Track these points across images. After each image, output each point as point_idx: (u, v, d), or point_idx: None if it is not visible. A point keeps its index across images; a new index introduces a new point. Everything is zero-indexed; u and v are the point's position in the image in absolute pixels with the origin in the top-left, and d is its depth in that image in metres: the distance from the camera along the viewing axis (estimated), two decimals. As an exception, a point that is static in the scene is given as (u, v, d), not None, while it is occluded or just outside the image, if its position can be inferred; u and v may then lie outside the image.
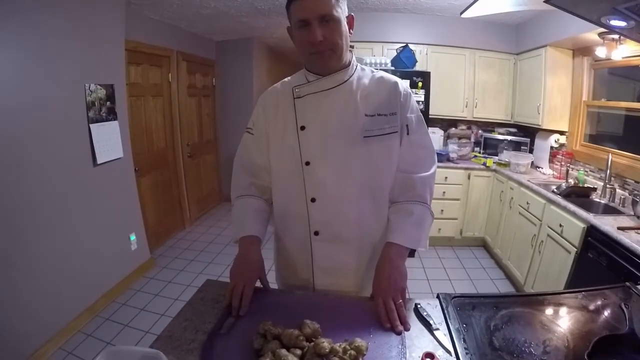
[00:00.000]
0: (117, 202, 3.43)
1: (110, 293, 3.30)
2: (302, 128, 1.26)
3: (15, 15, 2.38)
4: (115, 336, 2.83)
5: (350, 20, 1.23)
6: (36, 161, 2.57)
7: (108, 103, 3.23)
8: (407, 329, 1.04)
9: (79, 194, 2.97)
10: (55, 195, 2.74)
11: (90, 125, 3.04)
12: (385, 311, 1.07)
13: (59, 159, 2.76)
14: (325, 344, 0.91)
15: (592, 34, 3.06)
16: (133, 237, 3.67)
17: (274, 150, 1.33)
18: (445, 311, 1.10)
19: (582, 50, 3.64)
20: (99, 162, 3.13)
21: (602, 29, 2.41)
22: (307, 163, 1.26)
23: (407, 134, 1.29)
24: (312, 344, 0.93)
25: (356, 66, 1.31)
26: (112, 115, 3.29)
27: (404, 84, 1.33)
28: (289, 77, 1.39)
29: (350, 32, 1.23)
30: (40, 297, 2.60)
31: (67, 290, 2.83)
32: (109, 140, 3.27)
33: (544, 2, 1.41)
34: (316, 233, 1.30)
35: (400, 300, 1.11)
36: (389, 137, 1.27)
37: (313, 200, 1.27)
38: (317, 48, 1.15)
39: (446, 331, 1.03)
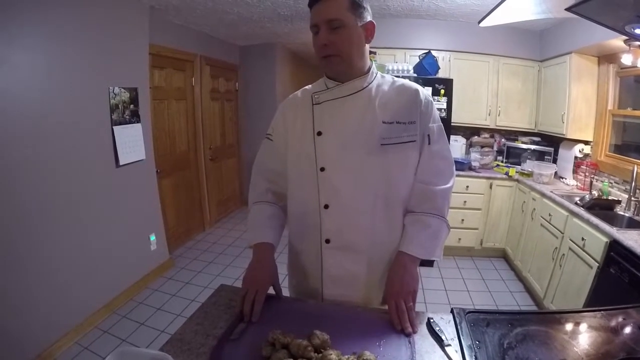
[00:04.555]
0: (138, 202, 3.50)
1: (128, 291, 3.36)
2: (319, 134, 1.26)
3: (42, 21, 2.48)
4: (131, 334, 2.88)
5: (369, 26, 1.21)
6: (60, 162, 2.65)
7: (132, 106, 3.31)
8: (415, 331, 1.06)
9: (101, 194, 3.04)
10: (78, 195, 2.81)
11: (114, 128, 3.11)
12: (397, 313, 1.08)
13: (83, 160, 2.84)
14: (333, 355, 0.90)
15: (617, 40, 2.99)
16: (153, 238, 3.74)
17: (291, 155, 1.33)
18: (459, 327, 1.08)
19: (607, 58, 3.55)
20: (121, 163, 3.20)
21: (627, 36, 2.34)
22: (322, 169, 1.25)
23: (429, 144, 1.27)
24: (320, 355, 0.92)
25: (376, 74, 1.31)
26: (135, 117, 3.36)
27: (425, 92, 1.31)
28: (310, 85, 1.39)
29: (368, 41, 1.22)
30: (58, 293, 2.67)
31: (85, 287, 2.90)
32: (132, 143, 3.34)
33: (565, 10, 1.38)
34: (327, 241, 1.28)
35: (411, 303, 1.12)
36: (407, 146, 1.24)
37: (326, 206, 1.26)
38: (322, 52, 1.17)
39: (458, 347, 1.01)
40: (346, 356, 0.92)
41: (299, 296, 1.44)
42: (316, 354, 0.93)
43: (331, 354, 0.90)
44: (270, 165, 1.41)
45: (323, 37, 1.14)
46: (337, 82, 1.27)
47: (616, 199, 3.12)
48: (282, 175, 1.38)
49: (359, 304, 1.31)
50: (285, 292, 1.34)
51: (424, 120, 1.27)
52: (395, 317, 1.08)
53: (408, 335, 1.04)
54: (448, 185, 1.30)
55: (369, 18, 1.20)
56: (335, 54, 1.17)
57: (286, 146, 1.35)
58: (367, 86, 1.26)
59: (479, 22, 2.10)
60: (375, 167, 1.23)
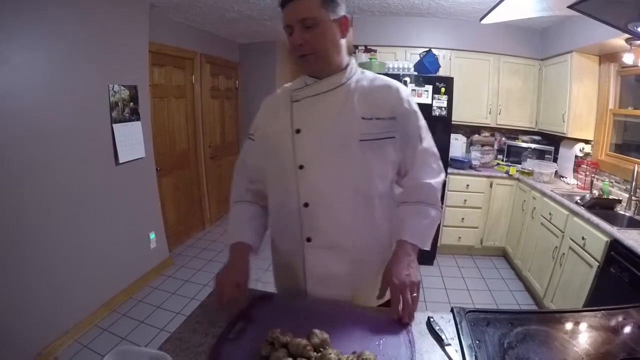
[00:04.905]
0: (137, 200, 3.50)
1: (128, 289, 3.36)
2: (298, 131, 1.24)
3: (42, 20, 2.47)
4: (130, 332, 2.88)
5: (344, 21, 1.19)
6: (60, 160, 2.65)
7: (131, 104, 3.30)
8: (411, 320, 1.10)
9: (101, 193, 3.04)
10: (78, 193, 2.81)
11: (113, 125, 3.10)
12: (402, 304, 1.08)
13: (82, 158, 2.83)
14: (333, 355, 0.90)
15: (619, 39, 2.98)
16: (153, 236, 3.73)
17: (269, 153, 1.32)
18: (459, 326, 1.08)
19: (608, 57, 3.55)
20: (121, 161, 3.19)
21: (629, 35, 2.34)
22: (301, 167, 1.23)
23: (421, 142, 1.29)
24: (320, 354, 0.92)
25: (355, 69, 1.29)
26: (135, 115, 3.35)
27: (407, 90, 1.31)
28: (291, 82, 1.38)
29: (343, 35, 1.21)
30: (57, 291, 2.67)
31: (85, 285, 2.90)
32: (132, 140, 3.33)
33: (568, 7, 1.37)
34: (308, 239, 1.27)
35: (416, 294, 1.11)
36: (386, 142, 1.24)
37: (306, 205, 1.24)
38: (298, 52, 1.16)
39: (458, 347, 1.00)
40: (346, 355, 0.92)
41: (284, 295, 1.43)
42: (315, 353, 0.93)
43: (330, 353, 0.90)
44: (252, 165, 1.40)
45: (297, 37, 1.13)
46: (315, 78, 1.26)
47: (617, 198, 3.12)
48: (264, 175, 1.37)
49: (345, 302, 1.31)
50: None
51: (409, 118, 1.27)
52: (398, 308, 1.08)
53: (405, 325, 1.07)
54: (440, 178, 1.33)
55: (342, 13, 1.18)
56: (311, 52, 1.16)
57: (266, 146, 1.34)
58: (345, 82, 1.25)
59: (481, 19, 2.10)
60: (354, 163, 1.22)
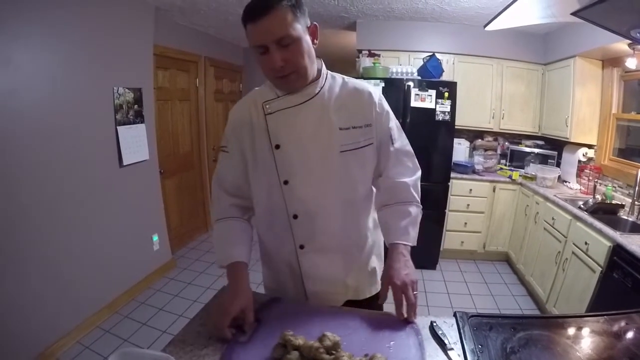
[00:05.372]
0: (141, 202, 3.51)
1: (130, 291, 3.37)
2: (277, 147, 1.22)
3: (47, 21, 2.49)
4: (133, 334, 2.88)
5: (314, 30, 1.16)
6: (64, 161, 2.67)
7: (135, 106, 3.32)
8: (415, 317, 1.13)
9: (105, 194, 3.05)
10: (81, 194, 2.83)
11: (118, 128, 3.12)
12: (406, 303, 1.10)
13: (86, 160, 2.85)
14: (346, 357, 0.91)
15: (622, 44, 2.98)
16: (156, 238, 3.74)
17: (251, 169, 1.30)
18: (461, 331, 1.08)
19: (611, 61, 3.55)
20: (124, 163, 3.21)
21: (633, 40, 2.34)
22: (286, 182, 1.23)
23: (392, 144, 1.31)
24: (332, 357, 0.92)
25: (326, 75, 1.27)
26: (139, 118, 3.37)
27: (377, 92, 1.31)
28: (256, 89, 1.34)
29: (314, 43, 1.16)
30: (60, 292, 2.68)
31: (87, 287, 2.91)
32: (135, 143, 3.35)
33: (571, 14, 1.38)
34: (301, 247, 1.30)
35: (416, 292, 1.13)
36: (364, 149, 1.26)
37: (295, 216, 1.26)
38: (279, 73, 1.11)
39: (461, 351, 1.01)
40: (358, 357, 0.93)
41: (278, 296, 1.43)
42: (328, 356, 0.93)
43: (343, 356, 0.91)
44: (230, 178, 1.35)
45: (277, 59, 1.06)
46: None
47: (620, 203, 3.11)
48: (242, 187, 1.35)
49: (341, 299, 1.38)
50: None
51: (382, 121, 1.29)
52: (402, 308, 1.11)
53: (411, 323, 1.10)
54: (416, 176, 1.36)
55: (308, 20, 1.14)
56: (293, 71, 1.11)
57: (242, 158, 1.31)
58: (319, 91, 1.22)
59: (485, 26, 2.10)
60: (336, 173, 1.24)
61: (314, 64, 1.18)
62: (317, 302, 1.33)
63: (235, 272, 1.21)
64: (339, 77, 1.31)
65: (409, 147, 1.37)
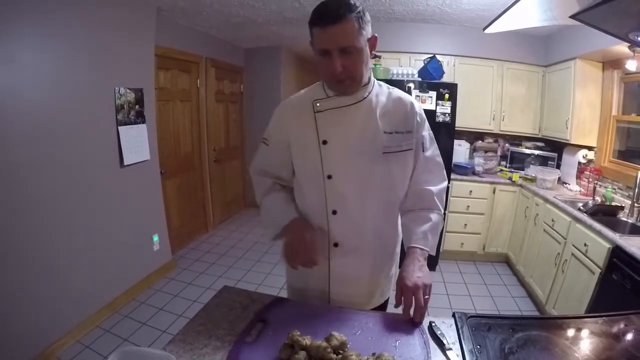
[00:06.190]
0: (141, 203, 3.52)
1: (130, 291, 3.37)
2: (324, 142, 1.28)
3: (49, 19, 2.49)
4: (132, 334, 2.89)
5: (374, 42, 1.22)
6: (65, 161, 2.67)
7: (137, 106, 3.32)
8: (422, 320, 1.14)
9: (105, 194, 3.05)
10: (82, 194, 2.83)
11: (119, 128, 3.13)
12: (415, 304, 1.12)
13: (87, 160, 2.85)
14: (354, 357, 0.92)
15: (622, 46, 2.98)
16: (156, 238, 3.75)
17: (296, 163, 1.36)
18: (460, 331, 1.09)
19: (612, 63, 3.55)
20: (125, 163, 3.21)
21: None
22: (329, 177, 1.29)
23: (423, 151, 1.36)
24: (340, 356, 0.93)
25: (374, 83, 1.34)
26: (140, 118, 3.38)
27: (418, 104, 1.39)
28: (304, 90, 1.41)
29: (372, 54, 1.23)
30: (60, 291, 2.68)
31: (87, 286, 2.91)
32: (137, 143, 3.35)
33: (570, 17, 1.38)
34: (336, 245, 1.34)
35: (428, 296, 1.15)
36: (406, 153, 1.32)
37: (334, 212, 1.31)
38: (337, 77, 1.17)
39: (459, 352, 1.01)
40: (365, 356, 0.94)
41: (303, 298, 1.46)
42: (335, 355, 0.94)
43: (352, 355, 0.92)
44: (269, 169, 1.44)
45: (338, 64, 1.13)
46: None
47: (619, 205, 3.12)
48: (280, 178, 1.43)
49: (362, 302, 1.40)
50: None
51: (420, 130, 1.35)
52: (409, 309, 1.12)
53: (416, 325, 1.11)
54: (442, 186, 1.41)
55: (371, 32, 1.21)
56: (349, 77, 1.19)
57: (284, 152, 1.37)
58: (367, 96, 1.29)
59: (484, 28, 2.11)
60: (378, 174, 1.29)
61: (368, 72, 1.26)
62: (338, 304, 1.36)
63: (293, 222, 1.30)
64: (384, 85, 1.39)
65: (440, 159, 1.43)
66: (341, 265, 1.36)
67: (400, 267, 1.26)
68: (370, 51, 1.22)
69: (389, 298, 1.53)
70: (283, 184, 1.45)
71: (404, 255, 1.33)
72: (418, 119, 1.34)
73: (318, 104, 1.29)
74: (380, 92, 1.34)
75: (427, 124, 1.39)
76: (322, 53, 1.15)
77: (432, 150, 1.39)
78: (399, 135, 1.30)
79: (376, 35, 1.23)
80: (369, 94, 1.30)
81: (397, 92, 1.38)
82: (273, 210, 1.38)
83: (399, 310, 1.15)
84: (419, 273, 1.17)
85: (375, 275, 1.42)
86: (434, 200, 1.36)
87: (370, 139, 1.27)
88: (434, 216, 1.35)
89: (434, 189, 1.36)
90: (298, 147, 1.34)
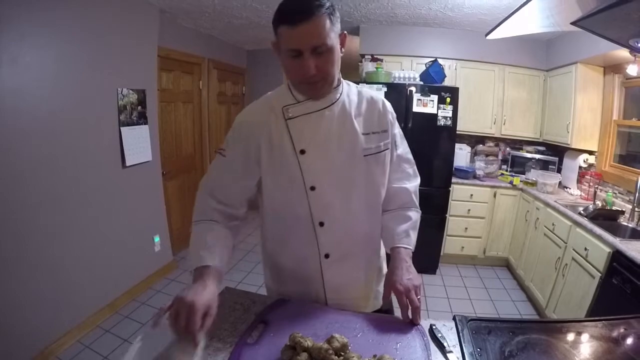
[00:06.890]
0: (143, 203, 3.52)
1: (131, 292, 3.38)
2: (302, 152, 1.19)
3: (52, 20, 2.51)
4: (133, 334, 2.89)
5: (343, 39, 1.14)
6: (67, 161, 2.69)
7: (139, 107, 3.34)
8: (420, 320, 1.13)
9: (107, 194, 3.07)
10: (84, 194, 2.84)
11: (121, 129, 3.14)
12: (411, 307, 1.11)
13: (90, 160, 2.86)
14: (355, 358, 0.92)
15: (623, 51, 2.98)
16: (157, 239, 3.76)
17: (271, 175, 1.24)
18: (461, 334, 1.09)
19: (613, 68, 3.57)
20: (127, 164, 3.22)
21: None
22: (312, 188, 1.21)
23: (396, 149, 1.35)
24: (342, 358, 0.93)
25: (343, 82, 1.27)
26: (142, 119, 3.39)
27: (387, 102, 1.36)
28: (268, 94, 1.31)
29: (341, 51, 1.14)
30: (60, 291, 2.69)
31: (88, 286, 2.92)
32: (139, 144, 3.36)
33: (570, 24, 1.39)
34: (327, 256, 1.28)
35: (419, 296, 1.14)
36: (385, 154, 1.30)
37: (321, 224, 1.24)
38: (310, 80, 1.09)
39: (460, 354, 1.02)
40: (366, 358, 0.94)
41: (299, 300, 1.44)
42: (336, 357, 0.94)
43: (353, 357, 0.92)
44: (221, 183, 1.27)
45: (311, 66, 1.05)
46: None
47: (620, 209, 3.12)
48: (232, 195, 1.27)
49: (360, 304, 1.38)
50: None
51: (392, 129, 1.33)
52: (407, 312, 1.12)
53: (416, 325, 1.11)
54: (416, 182, 1.42)
55: (340, 27, 1.12)
56: (322, 79, 1.11)
57: (243, 168, 1.24)
58: (339, 97, 1.23)
59: (486, 35, 2.11)
60: (361, 177, 1.25)
61: (338, 72, 1.19)
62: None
63: (203, 273, 1.07)
64: (352, 84, 1.33)
65: (410, 155, 1.42)
66: (335, 275, 1.31)
67: (388, 268, 1.26)
68: (341, 49, 1.14)
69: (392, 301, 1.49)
70: (226, 211, 1.26)
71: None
72: (390, 117, 1.32)
73: (289, 111, 1.20)
74: (350, 92, 1.28)
75: (396, 122, 1.37)
76: (291, 54, 1.06)
77: (403, 148, 1.38)
78: (375, 135, 1.27)
79: (345, 32, 1.15)
80: (341, 94, 1.23)
81: (366, 91, 1.33)
82: (197, 242, 1.17)
83: (399, 312, 1.15)
84: (407, 275, 1.17)
85: (370, 277, 1.40)
86: (411, 197, 1.37)
87: (349, 143, 1.22)
88: (413, 214, 1.35)
89: (409, 186, 1.37)
90: (271, 160, 1.22)
